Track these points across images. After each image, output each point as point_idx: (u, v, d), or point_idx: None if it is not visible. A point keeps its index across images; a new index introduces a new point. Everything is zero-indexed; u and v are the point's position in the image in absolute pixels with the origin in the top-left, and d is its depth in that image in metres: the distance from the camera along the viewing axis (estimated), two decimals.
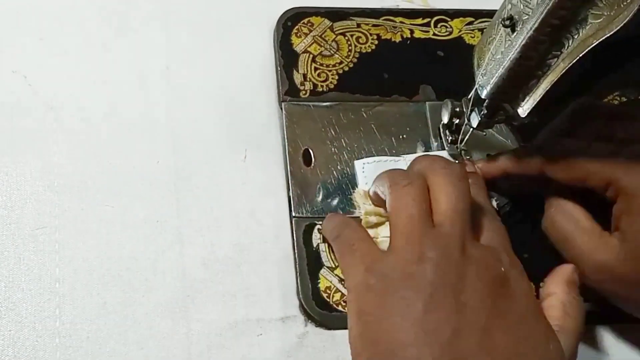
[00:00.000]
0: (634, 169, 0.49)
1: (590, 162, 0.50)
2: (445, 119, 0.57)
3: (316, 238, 0.53)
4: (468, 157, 0.56)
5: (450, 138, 0.57)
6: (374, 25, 0.62)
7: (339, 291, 0.52)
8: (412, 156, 0.56)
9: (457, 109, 0.56)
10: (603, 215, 0.51)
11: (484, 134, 0.57)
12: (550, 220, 0.53)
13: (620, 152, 0.50)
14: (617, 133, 0.51)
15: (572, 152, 0.51)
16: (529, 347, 0.43)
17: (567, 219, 0.52)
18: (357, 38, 0.61)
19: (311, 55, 0.60)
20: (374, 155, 0.57)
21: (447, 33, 0.62)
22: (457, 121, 0.56)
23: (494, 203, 0.55)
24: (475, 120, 0.54)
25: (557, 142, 0.52)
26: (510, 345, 0.43)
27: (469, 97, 0.54)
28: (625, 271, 0.49)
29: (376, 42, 0.61)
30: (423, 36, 0.62)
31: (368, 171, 0.56)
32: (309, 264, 0.52)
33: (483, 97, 0.51)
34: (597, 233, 0.51)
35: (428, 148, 0.58)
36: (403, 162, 0.56)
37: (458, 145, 0.56)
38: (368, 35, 0.61)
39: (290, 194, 0.55)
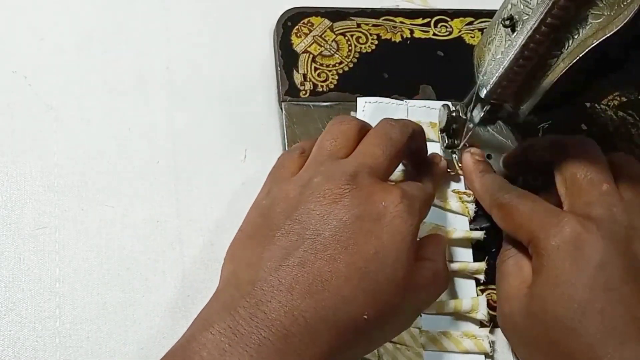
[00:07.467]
0: (551, 230, 0.47)
1: (519, 215, 0.49)
2: (442, 124, 0.57)
3: None
4: (460, 165, 0.56)
5: (447, 142, 0.57)
6: (374, 25, 0.62)
7: None
8: (414, 102, 0.58)
9: (454, 114, 0.56)
10: None
11: (487, 130, 0.57)
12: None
13: (544, 207, 0.49)
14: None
15: (506, 201, 0.50)
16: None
17: (503, 267, 0.51)
18: (357, 38, 0.61)
19: (311, 55, 0.60)
20: None
21: (447, 33, 0.63)
22: (454, 126, 0.56)
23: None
24: (477, 116, 0.54)
25: (499, 187, 0.52)
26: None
27: (465, 101, 0.54)
28: (526, 326, 0.48)
29: (376, 42, 0.61)
30: (423, 36, 0.62)
31: (368, 110, 0.57)
32: None
33: (483, 97, 0.51)
34: (515, 284, 0.49)
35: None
36: (404, 106, 0.57)
37: (456, 149, 0.56)
38: (368, 35, 0.61)
39: None
